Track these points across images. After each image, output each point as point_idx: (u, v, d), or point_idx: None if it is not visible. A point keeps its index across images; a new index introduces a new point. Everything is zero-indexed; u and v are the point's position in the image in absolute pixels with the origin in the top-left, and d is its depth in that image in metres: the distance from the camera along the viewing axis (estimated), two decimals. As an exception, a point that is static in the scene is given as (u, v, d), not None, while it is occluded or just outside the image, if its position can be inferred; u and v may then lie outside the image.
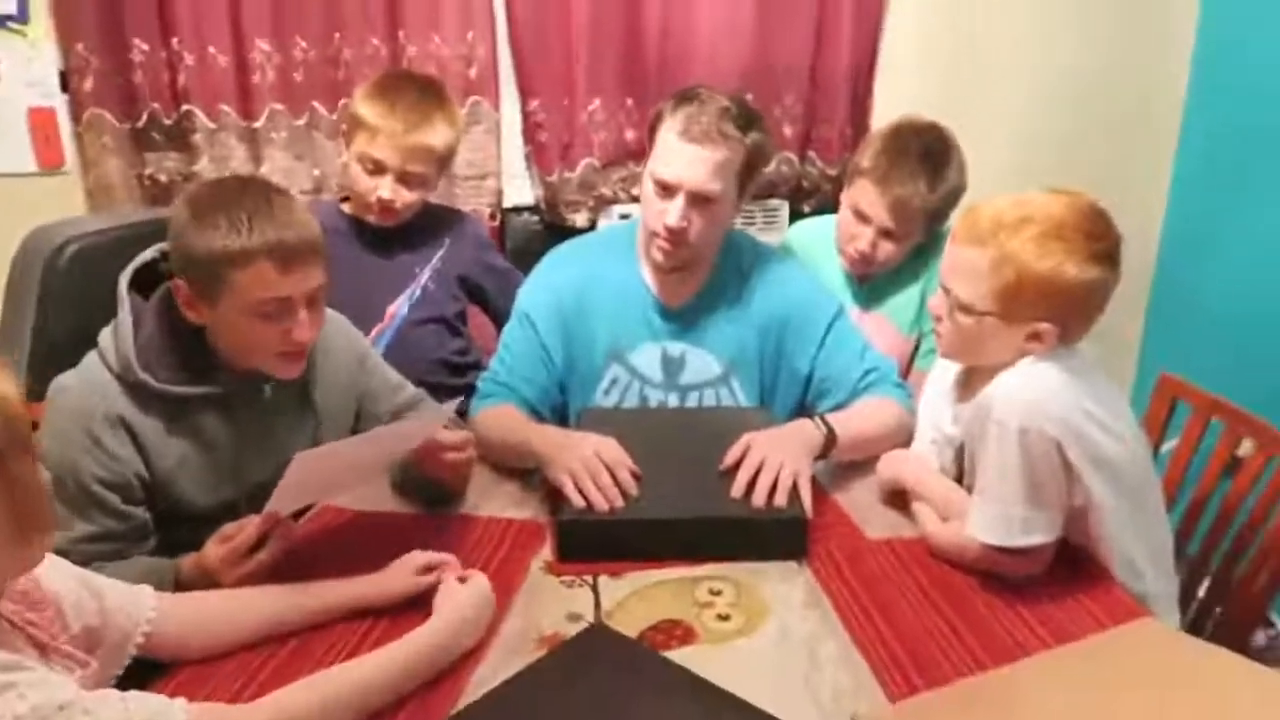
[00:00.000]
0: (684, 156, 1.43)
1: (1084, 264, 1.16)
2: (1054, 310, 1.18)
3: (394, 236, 1.87)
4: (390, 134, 1.74)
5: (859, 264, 1.75)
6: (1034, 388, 1.16)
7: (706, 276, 1.58)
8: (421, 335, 1.91)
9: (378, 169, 1.77)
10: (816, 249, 1.86)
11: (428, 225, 1.91)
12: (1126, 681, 0.89)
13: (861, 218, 1.70)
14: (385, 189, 1.77)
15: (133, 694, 0.81)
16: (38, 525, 0.80)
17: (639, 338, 1.59)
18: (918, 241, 1.74)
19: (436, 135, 1.78)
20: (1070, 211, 1.18)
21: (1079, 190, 1.22)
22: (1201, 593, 1.52)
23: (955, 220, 1.26)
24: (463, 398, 1.49)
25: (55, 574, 0.93)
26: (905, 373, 1.73)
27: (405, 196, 1.80)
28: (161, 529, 1.27)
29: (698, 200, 1.44)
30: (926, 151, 1.68)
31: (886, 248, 1.71)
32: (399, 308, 1.89)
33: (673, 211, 1.45)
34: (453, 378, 1.93)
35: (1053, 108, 2.44)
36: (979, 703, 0.92)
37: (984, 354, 1.25)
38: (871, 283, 1.81)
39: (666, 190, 1.46)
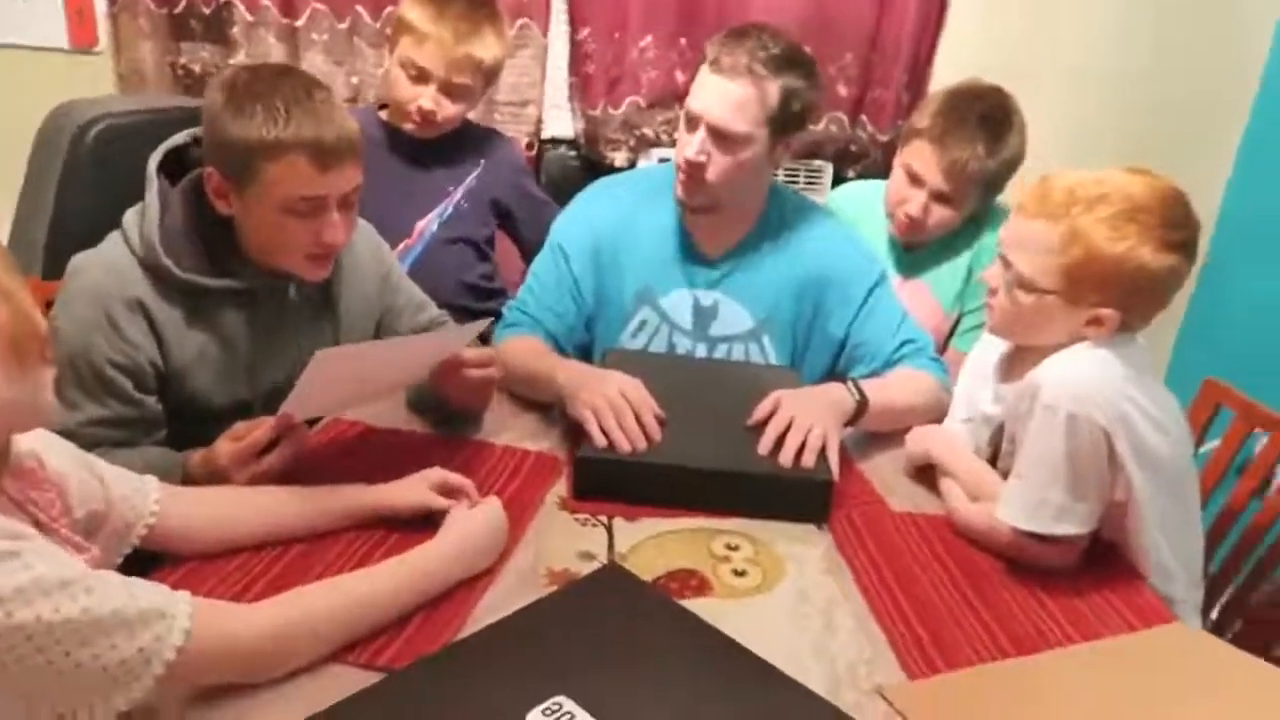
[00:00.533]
0: (709, 88, 1.39)
1: (1158, 251, 1.10)
2: (1119, 296, 1.12)
3: (430, 151, 1.82)
4: (439, 41, 1.69)
5: (908, 229, 1.69)
6: (1087, 374, 1.11)
7: (748, 228, 1.53)
8: (449, 255, 1.86)
9: (421, 77, 1.72)
10: (860, 212, 1.80)
11: (465, 143, 1.86)
12: (1155, 683, 0.86)
13: (915, 180, 1.64)
14: (427, 98, 1.72)
15: (136, 580, 0.79)
16: (38, 360, 0.77)
17: (673, 282, 1.54)
18: (971, 211, 1.68)
19: (485, 48, 1.73)
20: (1150, 194, 1.12)
21: (1157, 172, 1.15)
22: (1215, 614, 1.49)
23: (1016, 191, 1.20)
24: (491, 321, 1.45)
25: (61, 456, 0.91)
26: (941, 350, 1.68)
27: (447, 108, 1.75)
28: (172, 423, 1.24)
29: (717, 135, 1.39)
30: (987, 115, 1.62)
31: (939, 213, 1.65)
32: (429, 224, 1.85)
33: (693, 143, 1.40)
34: (477, 302, 1.89)
35: (1119, 87, 2.36)
36: (1004, 689, 0.89)
37: (1038, 334, 1.20)
38: (917, 251, 1.75)
39: (691, 122, 1.42)
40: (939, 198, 1.63)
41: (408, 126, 1.77)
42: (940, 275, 1.73)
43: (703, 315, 1.55)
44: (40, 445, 0.88)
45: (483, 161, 1.87)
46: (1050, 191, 1.14)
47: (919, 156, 1.64)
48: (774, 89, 1.38)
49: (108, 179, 1.45)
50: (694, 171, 1.42)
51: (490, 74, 1.79)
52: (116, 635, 0.73)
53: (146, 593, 0.77)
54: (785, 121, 1.40)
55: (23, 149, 1.56)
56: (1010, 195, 1.70)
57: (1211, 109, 2.37)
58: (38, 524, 0.84)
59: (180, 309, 1.20)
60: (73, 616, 0.71)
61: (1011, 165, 1.65)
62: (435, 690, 0.82)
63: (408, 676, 0.84)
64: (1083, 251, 1.11)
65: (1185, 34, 2.32)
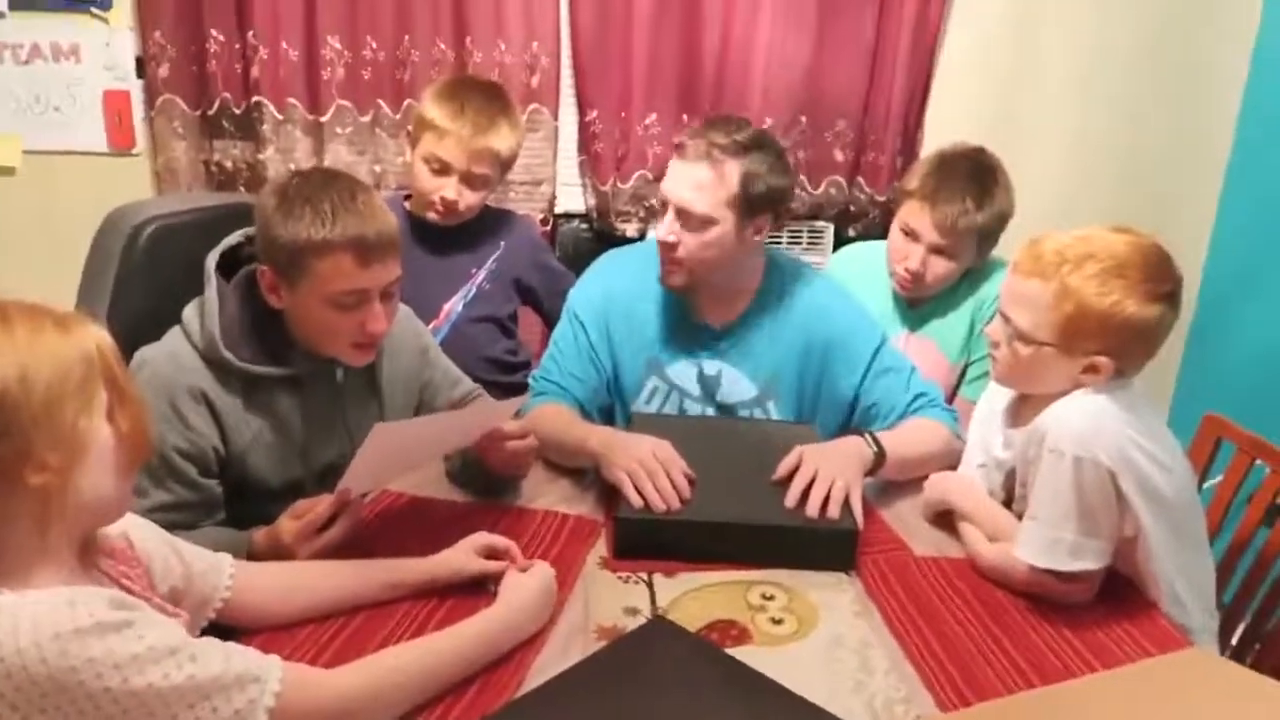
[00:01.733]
0: (673, 172, 1.50)
1: (1143, 303, 1.19)
2: (1111, 345, 1.21)
3: (452, 236, 1.91)
4: (458, 136, 1.79)
5: (910, 284, 1.78)
6: (1089, 418, 1.19)
7: (749, 300, 1.61)
8: (475, 333, 1.95)
9: (443, 170, 1.82)
10: (864, 272, 1.89)
11: (484, 227, 1.96)
12: (1179, 707, 0.91)
13: (912, 236, 1.75)
14: (450, 189, 1.82)
15: (233, 645, 0.85)
16: (141, 456, 0.86)
17: (677, 352, 1.62)
18: (968, 265, 1.77)
19: (501, 139, 1.84)
20: (1133, 251, 1.21)
21: (1142, 230, 1.25)
22: (1234, 641, 1.53)
23: (1014, 250, 1.29)
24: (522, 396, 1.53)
25: (146, 535, 0.98)
26: (949, 399, 1.76)
27: (468, 197, 1.85)
28: (230, 502, 1.31)
29: (683, 216, 1.49)
30: (973, 173, 1.73)
31: (937, 266, 1.75)
32: (454, 305, 1.94)
33: (663, 225, 1.51)
34: (503, 375, 1.97)
35: (1102, 144, 2.48)
36: (1036, 717, 0.94)
37: (1039, 383, 1.28)
38: (920, 307, 1.84)
39: (664, 205, 1.52)
40: (936, 251, 1.73)
41: (431, 216, 1.87)
42: (944, 328, 1.82)
43: (708, 384, 1.63)
44: (128, 526, 0.96)
45: (502, 243, 1.96)
46: (1041, 252, 1.23)
47: (913, 215, 1.74)
48: (734, 171, 1.46)
49: (159, 276, 1.53)
50: (667, 252, 1.52)
51: (507, 163, 1.90)
52: (217, 698, 0.80)
53: (241, 658, 0.84)
54: (750, 202, 1.47)
55: (67, 248, 1.66)
56: (1004, 249, 1.79)
57: (1192, 160, 2.48)
58: (131, 596, 0.92)
59: (239, 396, 1.29)
60: (179, 683, 0.78)
61: (1001, 218, 1.75)
62: (507, 743, 0.88)
63: (480, 731, 0.89)
64: (1073, 307, 1.19)
65: (1161, 93, 2.44)
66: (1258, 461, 1.57)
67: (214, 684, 0.80)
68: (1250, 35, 2.39)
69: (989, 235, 1.75)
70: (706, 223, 1.48)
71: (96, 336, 0.84)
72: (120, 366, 0.85)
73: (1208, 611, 1.28)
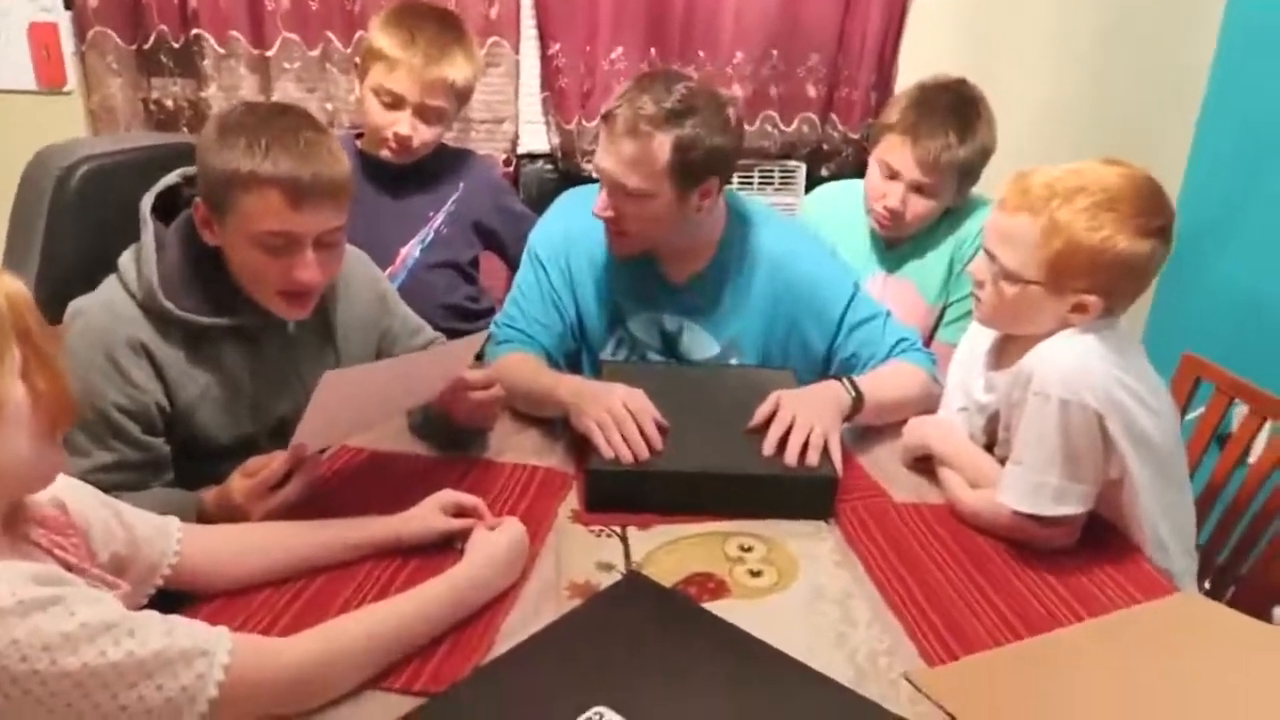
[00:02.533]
0: (603, 148, 1.41)
1: (1135, 238, 1.14)
2: (1101, 282, 1.17)
3: (407, 177, 1.82)
4: (410, 66, 1.70)
5: (889, 223, 1.72)
6: (1076, 360, 1.15)
7: (711, 254, 1.54)
8: (433, 279, 1.87)
9: (395, 103, 1.72)
10: (840, 213, 1.83)
11: (442, 167, 1.87)
12: (1170, 651, 0.90)
13: (892, 174, 1.68)
14: (403, 124, 1.73)
15: (175, 617, 0.80)
16: (65, 418, 0.79)
17: (639, 305, 1.56)
18: (948, 203, 1.72)
19: (457, 69, 1.74)
20: (1125, 184, 1.16)
21: (1132, 162, 1.20)
22: (1208, 583, 1.53)
23: (995, 187, 1.24)
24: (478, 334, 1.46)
25: (83, 501, 0.91)
26: (926, 342, 1.72)
27: (423, 132, 1.76)
28: (179, 462, 1.24)
29: (618, 192, 1.41)
30: (955, 106, 1.66)
31: (917, 204, 1.69)
32: (411, 250, 1.85)
33: (599, 200, 1.44)
34: (465, 323, 1.90)
35: (1077, 79, 2.42)
36: (1027, 667, 0.92)
37: (1025, 323, 1.24)
38: (898, 247, 1.79)
39: (600, 178, 1.44)
40: (916, 189, 1.68)
41: (384, 154, 1.77)
42: (923, 269, 1.77)
43: (669, 339, 1.57)
44: (62, 491, 0.89)
45: (461, 184, 1.88)
46: (1029, 186, 1.18)
47: (893, 150, 1.67)
48: (664, 142, 1.35)
49: (94, 221, 1.44)
50: (608, 225, 1.45)
51: (463, 95, 1.80)
52: (161, 675, 0.74)
53: (186, 631, 0.78)
54: (687, 169, 1.37)
55: (-4, 191, 1.56)
56: (985, 187, 1.74)
57: (1168, 96, 2.45)
58: (68, 568, 0.85)
59: (182, 349, 1.21)
60: (118, 660, 0.72)
61: (984, 153, 1.69)
62: (479, 710, 0.84)
63: (450, 698, 0.85)
64: (1063, 243, 1.15)
65: (1138, 26, 2.39)
66: (1236, 401, 1.55)
67: (156, 660, 0.74)
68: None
69: (970, 171, 1.69)
70: (642, 197, 1.39)
71: (6, 286, 0.75)
72: (36, 319, 0.77)
73: (1188, 554, 1.27)
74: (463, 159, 1.93)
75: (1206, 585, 1.52)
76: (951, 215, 1.75)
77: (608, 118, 1.39)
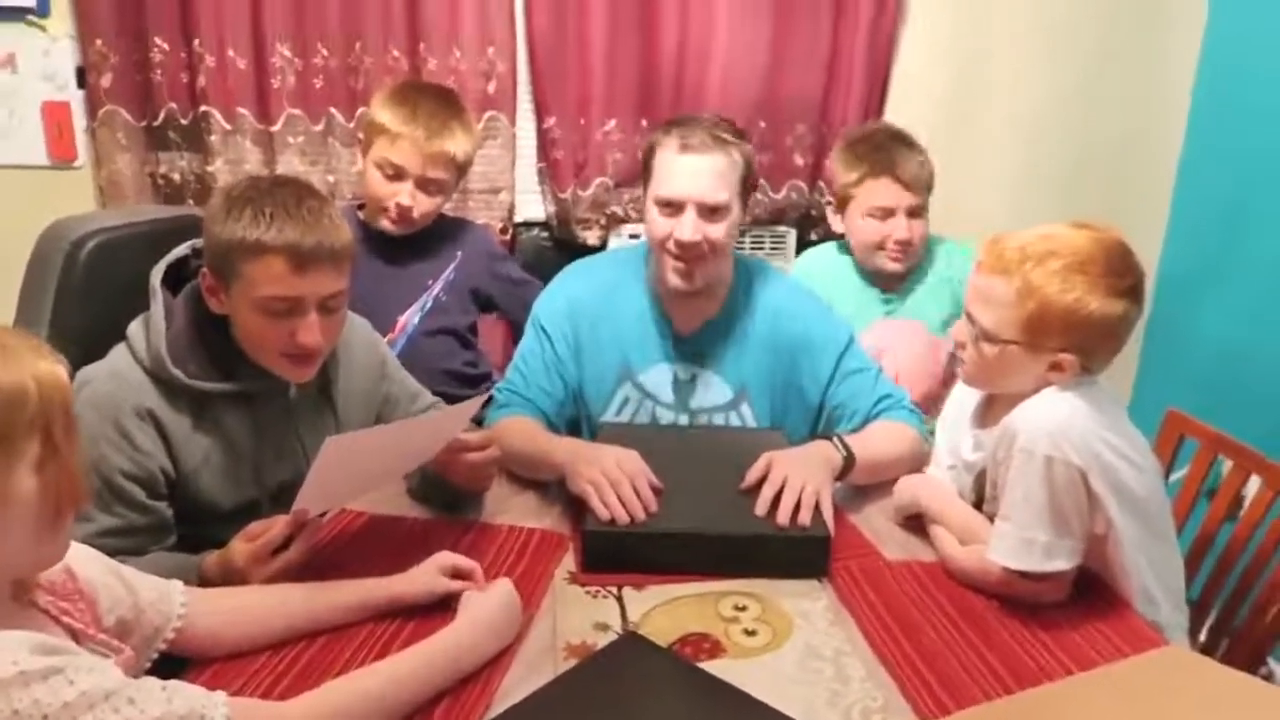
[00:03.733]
0: (687, 169, 1.46)
1: (1106, 298, 1.19)
2: (1075, 342, 1.20)
3: (406, 246, 1.87)
4: (412, 140, 1.76)
5: (902, 255, 1.82)
6: (1059, 417, 1.18)
7: (720, 302, 1.59)
8: (432, 346, 1.91)
9: (397, 175, 1.78)
10: (827, 271, 1.92)
11: (440, 236, 1.92)
12: (1159, 706, 0.91)
13: (886, 213, 1.80)
14: (404, 195, 1.79)
15: (174, 683, 0.81)
16: (72, 515, 0.80)
17: (651, 359, 1.60)
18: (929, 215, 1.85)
19: (456, 143, 1.81)
20: (1095, 246, 1.21)
21: (1105, 225, 1.25)
22: (1203, 636, 1.54)
23: (977, 250, 1.29)
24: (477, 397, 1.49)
25: (89, 567, 0.93)
26: (949, 376, 1.77)
27: (424, 204, 1.81)
28: (180, 526, 1.26)
29: (705, 212, 1.46)
30: (893, 134, 1.85)
31: (918, 227, 1.82)
32: (410, 318, 1.89)
33: (685, 225, 1.46)
34: (463, 388, 1.93)
35: (1055, 147, 2.50)
36: (1016, 721, 0.93)
37: (1006, 382, 1.27)
38: (890, 289, 1.88)
39: (673, 208, 1.47)
40: (913, 213, 1.80)
41: (385, 224, 1.82)
42: (920, 302, 1.86)
43: (682, 390, 1.60)
44: (70, 558, 0.90)
45: (459, 253, 1.92)
46: (1003, 250, 1.23)
47: (877, 192, 1.81)
48: (739, 155, 1.48)
49: (102, 292, 1.48)
50: (693, 252, 1.48)
51: (462, 168, 1.87)
52: None
53: (184, 697, 0.79)
54: (746, 185, 1.51)
55: (7, 265, 1.60)
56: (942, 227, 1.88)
57: (1143, 158, 2.52)
58: (73, 634, 0.86)
59: (187, 415, 1.24)
60: None
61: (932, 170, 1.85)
62: (476, 770, 0.84)
63: (447, 759, 0.86)
64: (1036, 304, 1.19)
65: (1114, 92, 2.48)
66: (1220, 456, 1.58)
67: None
68: (1199, 28, 2.43)
69: (931, 185, 1.84)
70: (725, 211, 1.47)
71: (41, 372, 0.75)
72: (63, 409, 0.77)
73: (1178, 608, 1.28)
74: (460, 228, 1.98)
75: (1201, 639, 1.53)
76: (927, 247, 1.89)
77: (684, 146, 1.46)
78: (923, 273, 1.88)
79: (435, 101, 1.81)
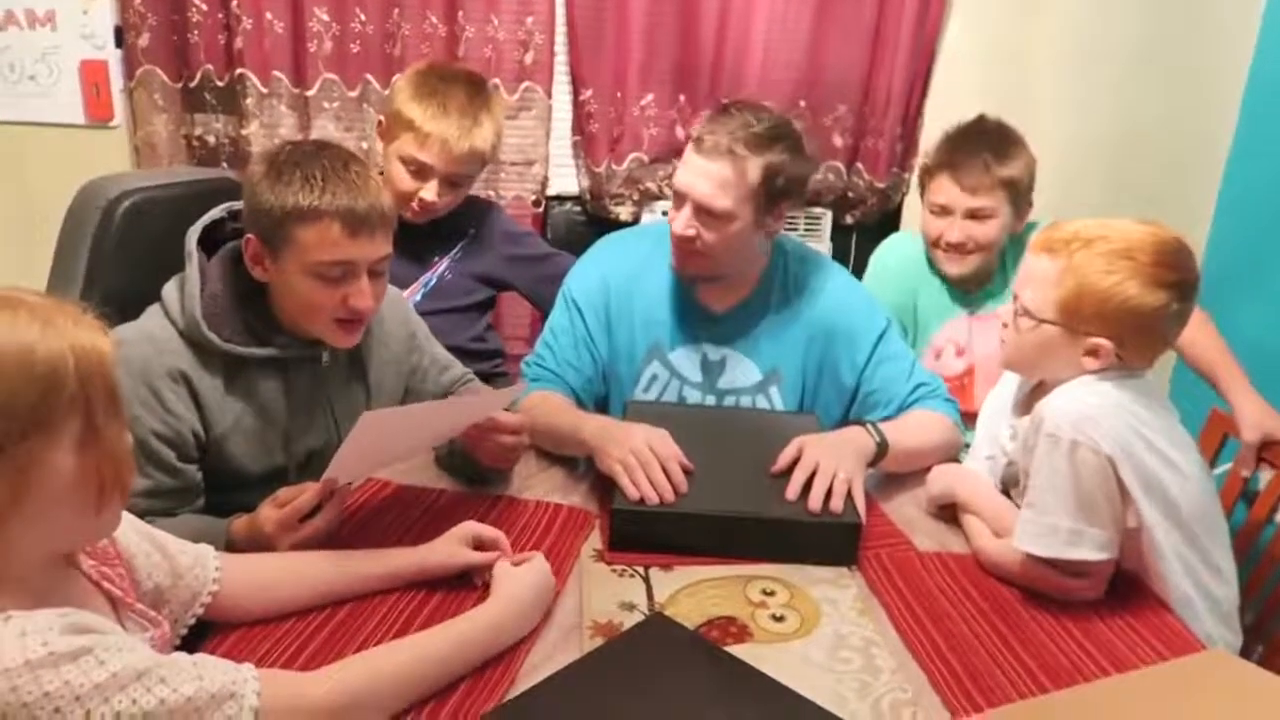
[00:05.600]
0: (692, 168, 1.44)
1: (1147, 287, 1.15)
2: (1111, 328, 1.17)
3: (422, 231, 1.81)
4: (442, 140, 1.69)
5: (955, 258, 1.76)
6: (1088, 404, 1.15)
7: (754, 285, 1.57)
8: (435, 322, 1.86)
9: (422, 172, 1.72)
10: (910, 261, 1.86)
11: (455, 219, 1.85)
12: (1200, 710, 0.88)
13: (944, 211, 1.74)
14: (429, 191, 1.73)
15: (201, 657, 0.80)
16: (118, 493, 0.78)
17: (680, 338, 1.58)
18: (1007, 226, 1.74)
19: (484, 138, 1.74)
20: (1149, 238, 1.18)
21: (1164, 224, 1.21)
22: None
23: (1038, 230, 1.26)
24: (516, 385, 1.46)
25: (128, 533, 0.92)
26: None
27: (447, 197, 1.77)
28: (209, 490, 1.26)
29: (701, 212, 1.43)
30: (983, 134, 1.74)
31: (977, 231, 1.73)
32: (413, 295, 1.83)
33: (680, 219, 1.45)
34: (470, 364, 1.89)
35: (1101, 140, 2.44)
36: (1053, 721, 0.91)
37: (1043, 365, 1.25)
38: (973, 285, 1.82)
39: (678, 198, 1.47)
40: (971, 216, 1.72)
41: (406, 215, 1.74)
42: (1000, 299, 1.79)
43: (711, 370, 1.59)
44: None
45: (469, 233, 1.87)
46: (1058, 232, 1.21)
47: (940, 191, 1.74)
48: (755, 167, 1.40)
49: (135, 252, 1.48)
50: (685, 245, 1.47)
51: (489, 160, 1.82)
52: None
53: (214, 673, 0.78)
54: (771, 196, 1.43)
55: (42, 222, 1.60)
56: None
57: (1191, 152, 2.45)
58: (113, 600, 0.86)
59: (220, 378, 1.24)
60: (150, 709, 0.73)
61: (1026, 169, 1.74)
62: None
63: (473, 734, 0.85)
64: (1076, 283, 1.17)
65: (1162, 82, 2.40)
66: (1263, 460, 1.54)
67: (189, 705, 0.75)
68: (1253, 28, 2.35)
69: (1016, 188, 1.72)
70: (726, 218, 1.43)
71: (82, 342, 0.73)
72: (105, 383, 0.74)
73: (1225, 624, 1.24)
74: (476, 209, 1.91)
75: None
76: (1016, 241, 1.78)
77: (698, 141, 1.43)
78: (1005, 269, 1.80)
79: (464, 94, 1.73)
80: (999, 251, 1.78)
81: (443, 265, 1.86)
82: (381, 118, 1.81)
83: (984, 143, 1.71)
